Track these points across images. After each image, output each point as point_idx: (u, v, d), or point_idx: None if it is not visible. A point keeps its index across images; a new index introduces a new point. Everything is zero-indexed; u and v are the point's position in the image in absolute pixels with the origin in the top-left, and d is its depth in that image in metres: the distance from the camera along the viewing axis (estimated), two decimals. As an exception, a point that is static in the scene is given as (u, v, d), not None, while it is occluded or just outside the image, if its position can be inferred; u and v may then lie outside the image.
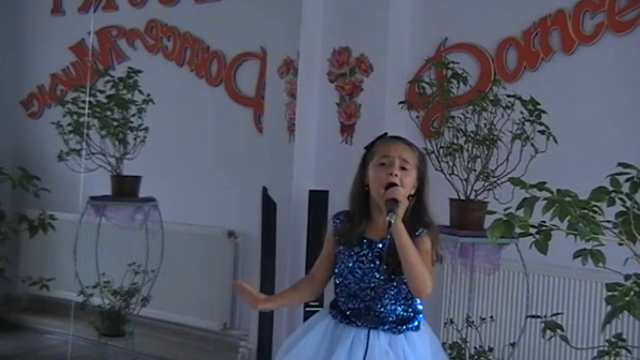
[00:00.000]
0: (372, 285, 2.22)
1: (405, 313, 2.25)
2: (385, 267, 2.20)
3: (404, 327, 2.24)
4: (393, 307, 2.24)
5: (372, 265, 2.23)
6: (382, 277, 2.22)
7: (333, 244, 2.32)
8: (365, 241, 2.25)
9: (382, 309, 2.23)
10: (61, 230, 4.67)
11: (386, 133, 2.36)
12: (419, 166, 2.25)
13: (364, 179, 2.27)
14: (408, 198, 2.22)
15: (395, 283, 2.22)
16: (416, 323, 2.27)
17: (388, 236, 2.18)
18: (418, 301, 2.27)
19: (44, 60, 5.70)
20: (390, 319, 2.23)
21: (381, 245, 2.23)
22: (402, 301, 2.24)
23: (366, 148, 2.34)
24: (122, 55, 5.37)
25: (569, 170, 3.22)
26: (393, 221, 2.07)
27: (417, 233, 2.20)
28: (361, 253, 2.25)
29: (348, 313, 2.26)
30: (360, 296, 2.24)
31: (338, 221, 2.33)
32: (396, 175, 2.18)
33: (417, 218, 2.23)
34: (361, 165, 2.31)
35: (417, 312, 2.28)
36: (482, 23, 3.86)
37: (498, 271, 3.35)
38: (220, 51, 4.93)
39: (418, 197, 2.25)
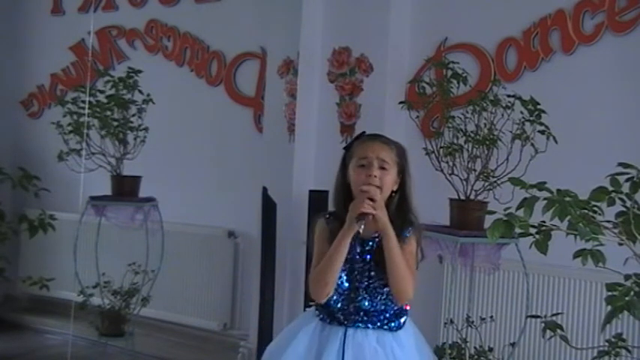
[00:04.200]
0: (364, 284, 2.23)
1: (392, 312, 2.26)
2: (377, 265, 2.22)
3: (391, 325, 2.25)
4: (383, 306, 2.25)
5: (363, 264, 2.24)
6: (374, 276, 2.23)
7: (328, 242, 2.29)
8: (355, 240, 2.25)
9: (372, 308, 2.24)
10: (61, 230, 4.69)
11: (364, 133, 2.36)
12: (398, 162, 2.26)
13: (346, 179, 2.28)
14: (392, 194, 2.25)
15: (385, 282, 2.22)
16: (402, 320, 2.28)
17: (376, 234, 2.21)
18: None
19: (44, 60, 5.70)
20: (379, 317, 2.24)
21: (371, 243, 2.24)
22: (392, 300, 2.25)
23: (345, 148, 2.34)
24: (122, 55, 5.37)
25: (569, 170, 3.23)
26: (361, 230, 2.12)
27: (405, 235, 2.22)
28: (351, 252, 2.24)
29: (336, 313, 2.25)
30: (351, 296, 2.24)
31: (329, 221, 2.31)
32: (376, 177, 2.19)
33: (401, 216, 2.25)
34: (342, 165, 2.32)
35: (403, 310, 2.29)
36: (482, 23, 3.86)
37: (498, 271, 3.35)
38: (220, 51, 4.93)
39: (401, 192, 2.26)
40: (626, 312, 1.89)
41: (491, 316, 3.37)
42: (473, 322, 3.28)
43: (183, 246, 4.77)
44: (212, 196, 4.82)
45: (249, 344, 4.18)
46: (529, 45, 3.72)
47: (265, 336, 3.73)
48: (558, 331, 2.51)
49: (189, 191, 4.89)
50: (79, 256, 4.05)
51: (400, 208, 2.25)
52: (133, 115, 4.21)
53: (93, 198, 4.11)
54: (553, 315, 2.63)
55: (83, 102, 4.15)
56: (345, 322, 2.24)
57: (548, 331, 2.52)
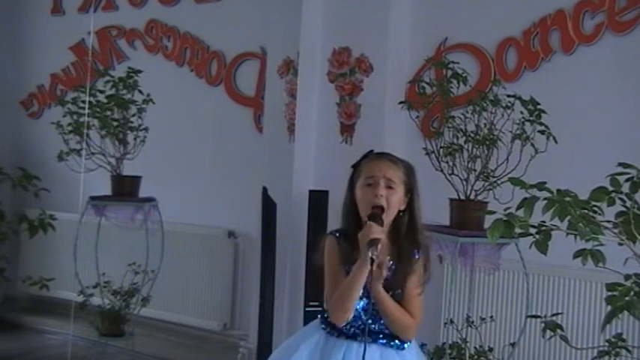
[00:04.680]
0: (372, 305, 2.20)
1: None
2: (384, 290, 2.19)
3: (397, 342, 2.24)
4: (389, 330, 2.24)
5: (370, 290, 2.18)
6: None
7: (343, 261, 2.23)
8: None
9: (379, 329, 2.23)
10: (61, 230, 4.69)
11: (372, 151, 2.34)
12: (406, 181, 2.24)
13: (354, 197, 2.26)
14: (399, 213, 2.22)
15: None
16: (407, 341, 2.27)
17: (387, 259, 2.17)
18: None
19: (44, 60, 5.70)
20: (383, 334, 2.24)
21: None
22: None
23: (353, 166, 2.33)
24: (122, 55, 5.37)
25: (569, 170, 3.22)
26: (375, 258, 2.05)
27: (413, 258, 2.22)
28: None
29: (341, 329, 2.24)
30: (359, 315, 2.22)
31: (339, 239, 2.27)
32: (382, 196, 2.17)
33: (410, 236, 2.24)
34: (350, 184, 2.30)
35: None
36: (482, 23, 3.86)
37: (498, 271, 3.35)
38: (220, 51, 4.93)
39: (410, 212, 2.25)
40: (626, 312, 1.89)
41: (492, 316, 3.38)
42: (473, 322, 3.28)
43: (183, 246, 4.78)
44: (212, 196, 4.82)
45: (249, 344, 4.18)
46: (529, 45, 3.72)
47: (265, 336, 3.73)
48: (558, 331, 2.51)
49: (189, 191, 4.89)
50: (79, 256, 4.05)
51: (409, 228, 2.24)
52: (133, 115, 4.21)
53: (93, 198, 4.11)
54: (553, 315, 2.63)
55: (83, 102, 4.15)
56: (352, 337, 2.22)
57: (548, 331, 2.52)
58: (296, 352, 2.27)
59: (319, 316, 2.34)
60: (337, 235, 2.27)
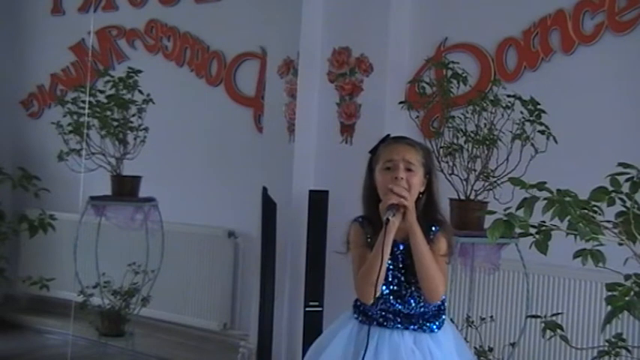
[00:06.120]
0: (397, 288, 2.23)
1: (431, 313, 2.26)
2: (407, 270, 2.22)
3: (428, 325, 2.25)
4: (422, 309, 2.25)
5: (397, 267, 2.23)
6: (407, 278, 2.23)
7: (366, 245, 2.27)
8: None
9: (409, 312, 2.24)
10: (61, 230, 4.68)
11: (388, 135, 2.35)
12: (424, 163, 2.26)
13: (373, 183, 2.28)
14: (419, 196, 2.25)
15: (416, 286, 2.23)
16: (439, 322, 2.28)
17: (406, 238, 2.20)
18: (442, 299, 2.28)
19: (44, 60, 5.70)
20: (418, 320, 2.25)
21: (402, 247, 2.24)
22: (426, 301, 2.25)
23: (370, 152, 2.34)
24: (122, 55, 5.37)
25: (569, 170, 3.22)
26: (390, 218, 2.09)
27: (432, 232, 2.23)
28: None
29: (374, 316, 2.25)
30: (387, 299, 2.24)
31: (363, 224, 2.30)
32: (402, 179, 2.19)
33: (429, 216, 2.26)
34: (368, 169, 2.32)
35: (440, 311, 2.29)
36: (483, 23, 3.86)
37: (498, 271, 3.35)
38: (220, 51, 4.93)
39: (428, 193, 2.27)
40: (626, 312, 1.89)
41: (491, 316, 3.38)
42: (473, 322, 3.29)
43: (183, 246, 4.77)
44: (212, 196, 4.81)
45: (249, 344, 4.17)
46: (529, 45, 3.72)
47: (265, 336, 3.73)
48: (558, 331, 2.52)
49: (189, 191, 4.89)
50: (79, 256, 4.05)
51: (427, 208, 2.26)
52: (133, 115, 4.21)
53: (93, 198, 4.11)
54: (553, 315, 2.63)
55: (83, 102, 4.16)
56: (385, 324, 2.24)
57: (548, 331, 2.52)
58: (331, 344, 2.29)
59: (352, 306, 2.35)
60: (361, 220, 2.30)
